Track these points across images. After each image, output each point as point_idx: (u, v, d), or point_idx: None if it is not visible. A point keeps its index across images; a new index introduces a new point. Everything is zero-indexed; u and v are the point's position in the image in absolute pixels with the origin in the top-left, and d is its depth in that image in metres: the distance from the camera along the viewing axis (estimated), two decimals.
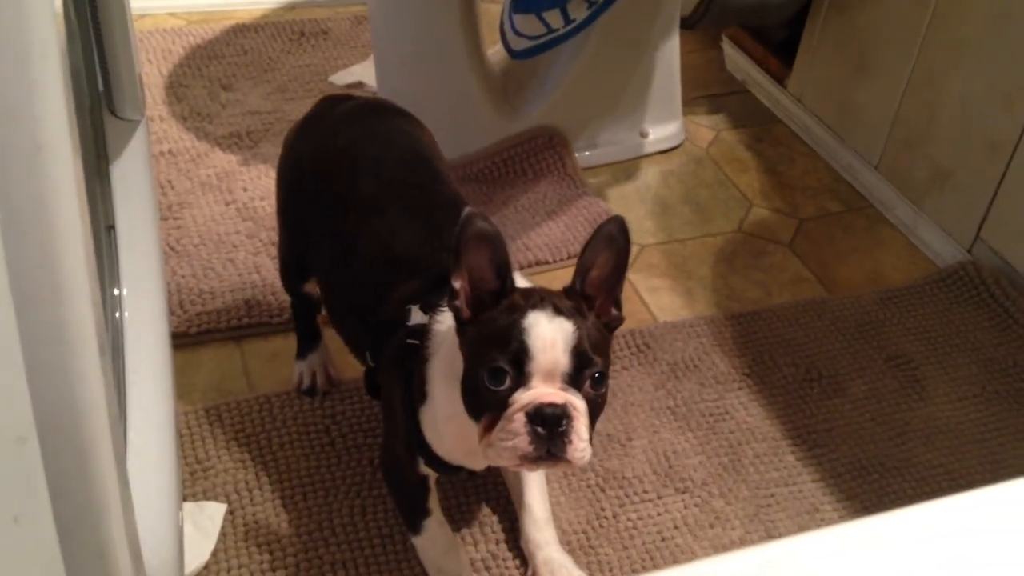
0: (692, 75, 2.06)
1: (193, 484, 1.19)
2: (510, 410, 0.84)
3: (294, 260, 1.25)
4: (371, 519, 1.17)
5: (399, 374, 0.99)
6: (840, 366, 1.43)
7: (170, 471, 0.84)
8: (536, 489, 1.15)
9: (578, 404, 0.84)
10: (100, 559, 0.49)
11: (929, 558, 0.52)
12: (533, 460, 0.84)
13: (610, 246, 0.88)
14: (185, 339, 1.39)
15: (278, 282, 1.48)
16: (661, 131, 1.90)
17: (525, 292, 0.88)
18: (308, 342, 1.32)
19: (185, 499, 1.16)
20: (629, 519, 1.20)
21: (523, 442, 0.83)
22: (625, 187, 1.81)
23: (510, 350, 0.84)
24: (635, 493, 1.23)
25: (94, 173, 1.00)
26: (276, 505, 1.18)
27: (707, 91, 2.10)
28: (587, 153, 1.85)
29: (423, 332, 0.97)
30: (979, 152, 1.57)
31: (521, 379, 0.84)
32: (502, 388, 0.84)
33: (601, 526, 1.19)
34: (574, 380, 0.85)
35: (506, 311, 0.86)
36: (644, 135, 1.89)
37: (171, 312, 1.42)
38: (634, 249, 1.63)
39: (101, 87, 1.05)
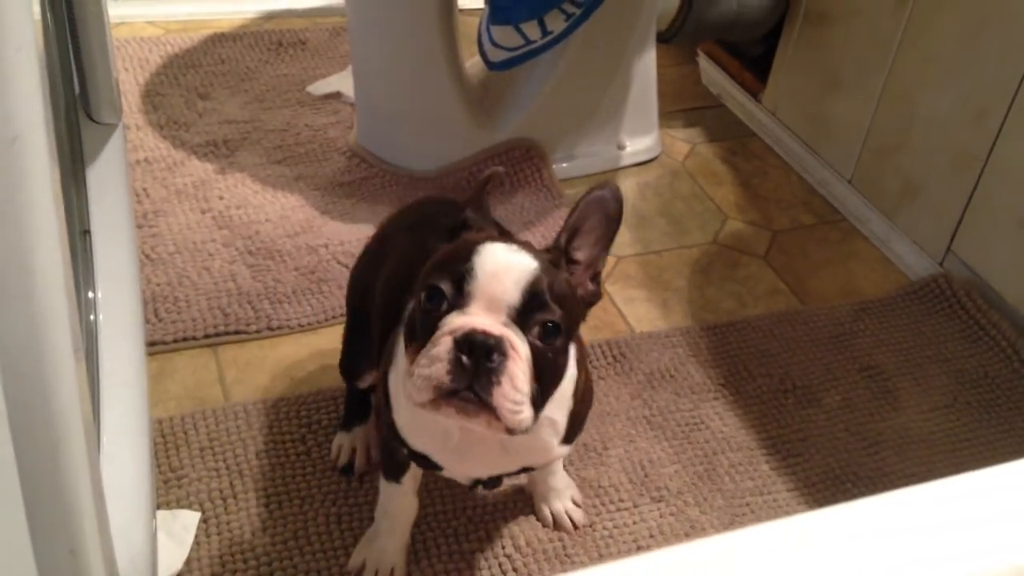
0: (668, 89, 2.08)
1: (167, 492, 1.18)
2: (438, 333, 0.74)
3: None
4: (347, 528, 1.16)
5: (384, 360, 0.96)
6: (814, 377, 1.45)
7: (144, 478, 0.83)
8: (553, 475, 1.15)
9: (518, 345, 0.74)
10: (73, 564, 0.49)
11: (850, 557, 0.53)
12: (449, 395, 0.73)
13: (601, 210, 0.81)
14: (160, 347, 1.38)
15: (254, 290, 1.48)
16: (638, 144, 1.92)
17: (500, 233, 0.84)
18: (355, 415, 1.22)
19: (159, 507, 1.15)
20: (605, 528, 1.20)
21: (440, 368, 0.72)
22: None
23: (452, 270, 0.75)
24: (611, 502, 1.24)
25: (70, 177, 0.99)
26: (251, 514, 1.17)
27: (683, 105, 2.12)
28: (564, 165, 1.86)
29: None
30: (950, 166, 1.60)
31: (458, 301, 0.75)
32: (437, 310, 0.75)
33: (577, 534, 1.19)
34: (521, 320, 0.75)
35: (465, 238, 0.80)
36: (621, 147, 1.90)
37: (146, 320, 1.41)
38: (611, 260, 1.63)
39: (78, 91, 1.04)
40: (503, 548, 1.16)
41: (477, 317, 0.74)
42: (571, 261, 0.83)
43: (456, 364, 0.72)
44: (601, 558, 1.17)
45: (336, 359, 1.24)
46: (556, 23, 1.58)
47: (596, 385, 1.39)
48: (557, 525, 1.19)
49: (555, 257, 0.82)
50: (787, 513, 1.24)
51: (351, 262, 1.55)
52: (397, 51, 1.70)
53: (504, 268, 0.75)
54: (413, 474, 1.06)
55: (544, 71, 1.77)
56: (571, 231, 0.83)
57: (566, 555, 1.17)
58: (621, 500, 1.24)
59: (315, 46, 2.18)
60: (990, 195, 1.54)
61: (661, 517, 1.22)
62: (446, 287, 0.75)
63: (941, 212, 1.63)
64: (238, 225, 1.61)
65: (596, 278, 0.86)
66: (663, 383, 1.41)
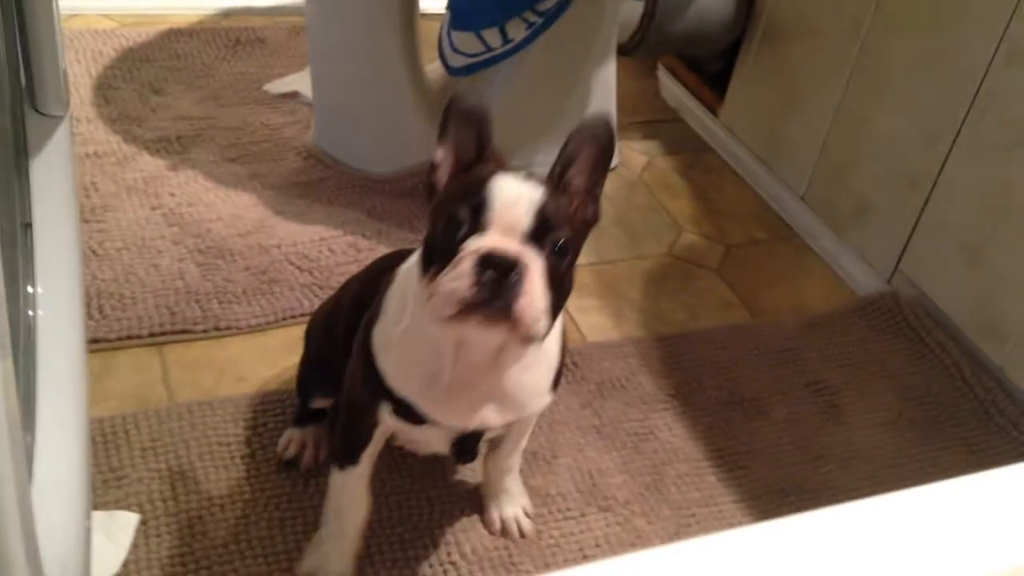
0: (628, 101, 2.09)
1: (106, 493, 1.16)
2: (460, 254, 0.81)
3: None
4: (289, 532, 1.14)
5: (368, 314, 0.99)
6: (762, 390, 1.46)
7: (78, 477, 0.81)
8: (515, 451, 1.16)
9: (534, 262, 0.82)
10: None
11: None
12: (475, 307, 0.80)
13: (594, 144, 0.88)
14: (104, 344, 1.35)
15: (203, 288, 1.46)
16: None
17: (503, 164, 0.89)
18: (311, 415, 1.23)
19: (97, 508, 1.13)
20: (552, 536, 1.20)
21: (464, 283, 0.80)
22: None
23: (471, 201, 0.82)
24: (558, 510, 1.23)
25: (12, 168, 0.97)
26: (191, 516, 1.15)
27: (642, 117, 2.14)
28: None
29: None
30: (900, 187, 1.63)
31: (477, 227, 0.82)
32: (456, 236, 0.82)
33: (523, 543, 1.18)
34: (536, 240, 0.82)
35: (474, 173, 0.86)
36: None
37: (90, 316, 1.38)
38: None
39: (24, 82, 1.02)
40: (448, 555, 1.15)
41: (494, 237, 0.81)
42: (568, 189, 0.89)
43: (479, 279, 0.80)
44: (547, 567, 1.17)
45: (286, 361, 1.22)
46: (517, 31, 1.59)
47: None
48: (504, 532, 1.19)
49: (555, 185, 0.87)
50: (732, 524, 1.25)
51: (304, 263, 1.54)
52: (356, 53, 1.69)
53: (517, 196, 0.82)
54: (370, 456, 1.05)
55: (504, 78, 1.77)
56: (564, 164, 0.88)
57: (511, 563, 1.16)
58: (568, 509, 1.24)
59: (274, 45, 2.16)
60: (938, 216, 1.57)
61: (608, 526, 1.23)
62: (464, 214, 0.82)
63: (890, 231, 1.65)
64: (189, 223, 1.59)
65: (596, 201, 0.91)
66: (614, 393, 1.41)
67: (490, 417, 0.97)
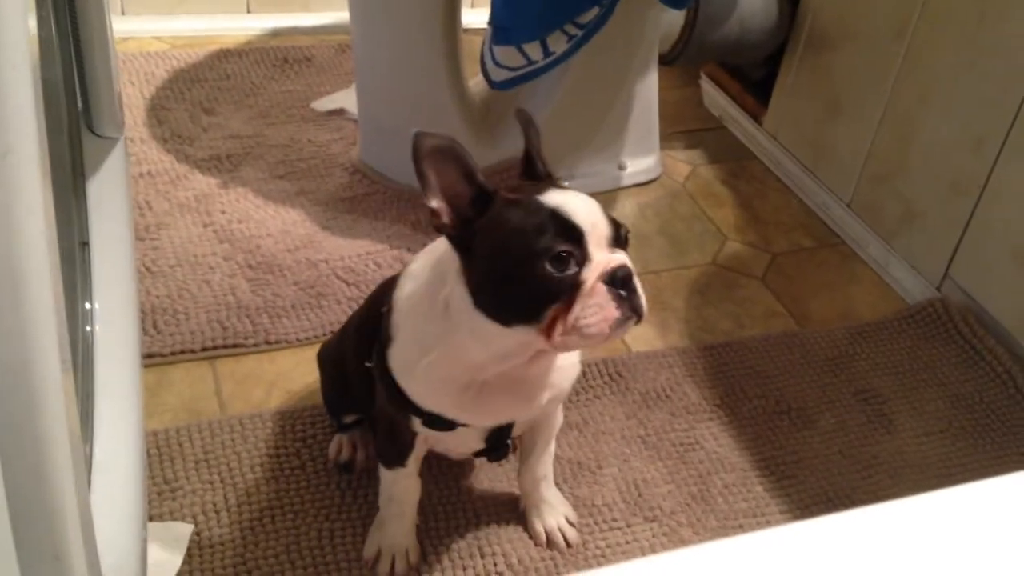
0: (670, 110, 2.09)
1: (160, 504, 1.18)
2: (587, 285, 0.83)
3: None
4: (339, 543, 1.16)
5: (378, 341, 1.01)
6: (809, 399, 1.45)
7: (135, 489, 0.84)
8: (546, 455, 1.18)
9: (629, 261, 0.85)
10: (57, 569, 0.49)
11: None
12: (621, 324, 0.84)
13: (534, 130, 0.94)
14: (158, 359, 1.39)
15: (253, 303, 1.49)
16: (639, 164, 1.93)
17: (514, 186, 0.89)
18: (349, 424, 1.27)
19: (152, 519, 1.16)
20: (597, 547, 1.20)
21: (611, 309, 0.83)
22: None
23: (562, 232, 0.83)
24: (604, 521, 1.24)
25: (70, 189, 1.00)
26: (243, 527, 1.17)
27: (685, 126, 2.13)
28: (565, 184, 1.86)
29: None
30: (948, 192, 1.61)
31: (584, 255, 0.83)
32: (570, 271, 0.83)
33: (569, 553, 1.19)
34: (615, 241, 0.86)
35: (513, 206, 0.85)
36: (622, 168, 1.91)
37: (145, 332, 1.42)
38: None
39: (80, 105, 1.05)
40: (495, 565, 1.16)
41: (602, 257, 0.84)
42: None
43: (619, 299, 0.83)
44: None
45: None
46: (558, 44, 1.60)
47: (592, 404, 1.40)
48: (550, 543, 1.19)
49: (554, 181, 0.92)
50: None
51: (351, 278, 1.56)
52: (400, 68, 1.71)
53: (587, 208, 0.85)
54: (415, 456, 1.09)
55: (547, 91, 1.79)
56: (541, 158, 0.94)
57: (558, 574, 1.17)
58: (614, 519, 1.24)
59: (320, 63, 2.20)
60: (987, 221, 1.54)
61: (654, 537, 1.22)
62: (569, 249, 0.83)
63: (939, 237, 1.63)
64: (239, 239, 1.62)
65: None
66: (659, 403, 1.41)
67: (520, 410, 1.01)
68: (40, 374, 0.43)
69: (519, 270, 0.84)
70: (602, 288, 0.83)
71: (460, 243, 0.88)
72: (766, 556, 0.52)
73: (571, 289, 0.83)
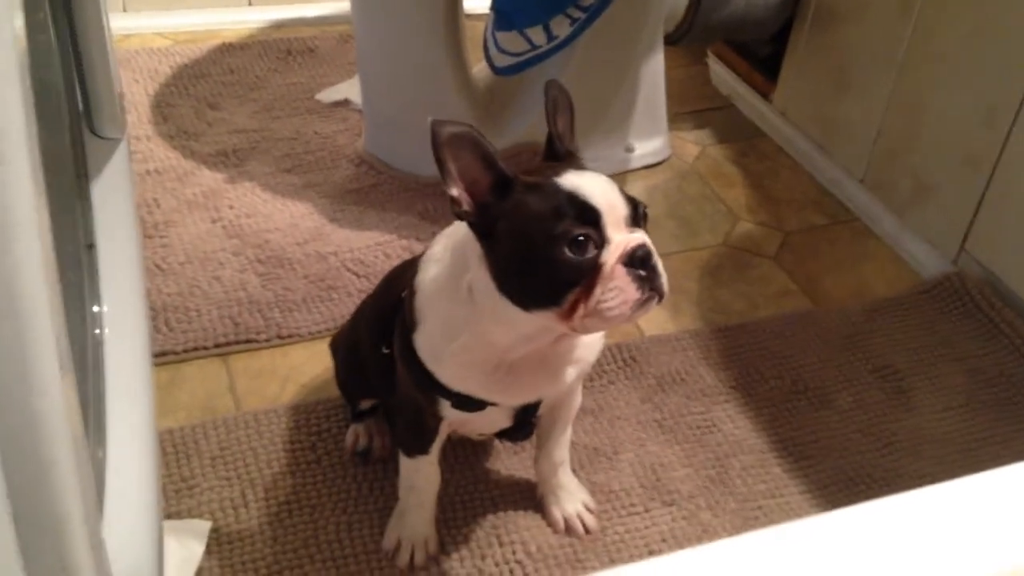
0: (677, 90, 2.07)
1: (178, 502, 1.19)
2: (606, 268, 0.82)
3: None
4: (357, 536, 1.16)
5: (400, 326, 1.00)
6: (826, 378, 1.44)
7: (149, 489, 0.84)
8: (563, 439, 1.18)
9: (648, 239, 0.85)
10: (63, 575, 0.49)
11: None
12: (643, 304, 0.84)
13: (564, 105, 0.92)
14: (171, 357, 1.39)
15: (264, 298, 1.48)
16: (647, 146, 1.91)
17: (533, 169, 0.88)
18: (363, 410, 1.27)
19: (170, 517, 1.16)
20: (616, 532, 1.20)
21: (632, 291, 0.82)
22: None
23: (580, 215, 0.82)
24: (622, 507, 1.23)
25: (74, 192, 1.00)
26: (262, 522, 1.17)
27: (692, 106, 2.12)
28: (584, 162, 1.85)
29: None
30: (961, 166, 1.58)
31: (602, 238, 0.83)
32: (589, 254, 0.82)
33: (588, 540, 1.18)
34: (633, 220, 0.85)
35: (531, 191, 0.84)
36: (630, 150, 1.90)
37: (157, 330, 1.42)
38: None
39: (81, 106, 1.05)
40: (514, 553, 1.16)
41: (620, 238, 0.83)
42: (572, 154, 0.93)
43: (639, 279, 0.83)
44: (613, 563, 1.17)
45: None
46: (561, 28, 1.58)
47: (607, 389, 1.39)
48: (568, 529, 1.19)
49: (573, 160, 0.91)
50: (800, 516, 1.24)
51: (360, 269, 1.56)
52: (403, 57, 1.70)
53: (603, 188, 0.84)
54: (438, 444, 1.09)
55: (551, 75, 1.76)
56: (559, 136, 0.92)
57: (577, 560, 1.16)
58: (632, 504, 1.23)
59: (324, 54, 2.19)
60: (1002, 193, 1.52)
61: (673, 521, 1.22)
62: (588, 232, 0.82)
63: (953, 211, 1.61)
64: (248, 234, 1.62)
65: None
66: (674, 386, 1.40)
67: (549, 385, 1.00)
68: (39, 387, 0.42)
69: (538, 255, 0.83)
70: (622, 270, 0.82)
71: (481, 229, 0.87)
72: (807, 546, 0.52)
73: (591, 272, 0.82)
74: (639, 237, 0.84)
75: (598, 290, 0.82)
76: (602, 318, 0.83)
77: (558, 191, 0.83)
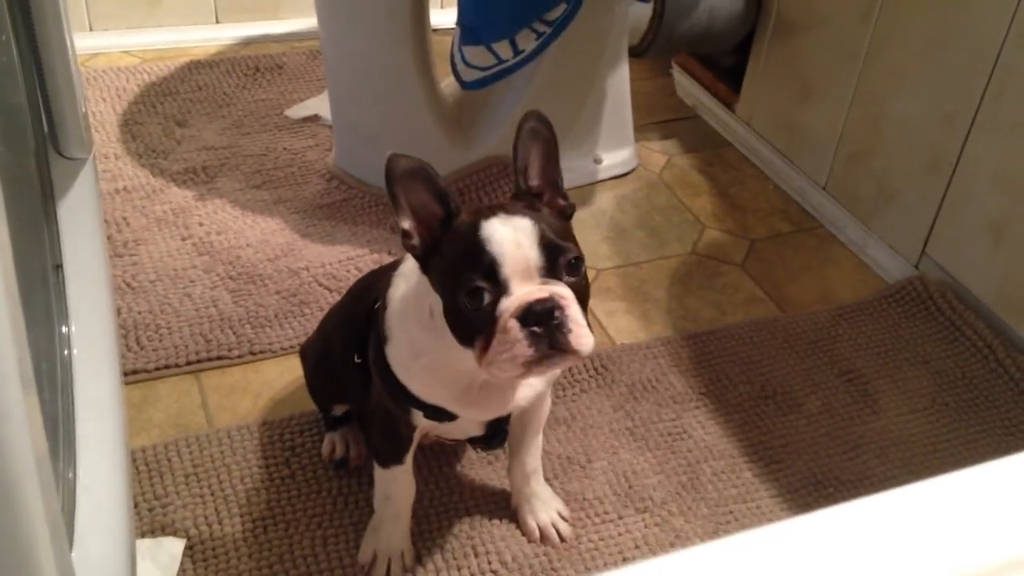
0: (643, 101, 2.09)
1: (152, 520, 1.18)
2: (500, 321, 0.81)
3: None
4: (332, 550, 1.16)
5: (374, 337, 1.01)
6: (794, 383, 1.46)
7: (121, 509, 0.83)
8: (534, 447, 1.18)
9: (564, 292, 0.82)
10: None
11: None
12: (538, 362, 0.82)
13: (535, 138, 0.89)
14: (142, 375, 1.39)
15: (235, 314, 1.48)
16: (614, 157, 1.93)
17: (473, 210, 0.87)
18: (337, 419, 1.28)
19: (143, 535, 1.15)
20: (591, 540, 1.21)
21: (522, 347, 0.81)
22: (580, 212, 1.83)
23: (479, 265, 0.81)
24: (596, 514, 1.24)
25: (41, 212, 1.00)
26: (236, 539, 1.17)
27: (658, 117, 2.14)
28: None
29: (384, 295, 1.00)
30: (922, 170, 1.62)
31: (499, 289, 0.82)
32: (485, 305, 0.82)
33: (563, 548, 1.19)
34: (551, 272, 0.83)
35: (460, 232, 0.85)
36: (598, 161, 1.92)
37: (128, 348, 1.41)
38: (591, 273, 1.64)
39: (46, 128, 1.05)
40: (489, 563, 1.17)
41: (523, 291, 0.81)
42: (537, 194, 0.91)
43: (532, 336, 0.81)
44: (588, 571, 1.17)
45: None
46: (527, 42, 1.60)
47: (579, 398, 1.40)
48: (543, 538, 1.20)
49: (528, 202, 0.88)
50: (771, 520, 1.25)
51: (332, 284, 1.56)
52: (371, 72, 1.71)
53: (515, 241, 0.82)
54: (411, 453, 1.10)
55: (518, 89, 1.79)
56: (522, 171, 0.90)
57: (552, 569, 1.17)
58: (606, 512, 1.24)
59: (292, 70, 2.19)
60: (962, 197, 1.55)
61: (646, 528, 1.23)
62: (482, 283, 0.82)
63: (915, 215, 1.64)
64: (219, 251, 1.62)
65: (561, 191, 0.93)
66: (645, 394, 1.42)
67: (518, 399, 1.01)
68: (1, 409, 0.42)
69: (448, 298, 0.86)
70: (514, 325, 0.81)
71: (424, 262, 0.89)
72: (775, 551, 0.53)
73: (490, 323, 0.82)
74: (542, 291, 0.81)
75: (494, 342, 0.82)
76: (499, 368, 0.83)
77: (473, 237, 0.83)
